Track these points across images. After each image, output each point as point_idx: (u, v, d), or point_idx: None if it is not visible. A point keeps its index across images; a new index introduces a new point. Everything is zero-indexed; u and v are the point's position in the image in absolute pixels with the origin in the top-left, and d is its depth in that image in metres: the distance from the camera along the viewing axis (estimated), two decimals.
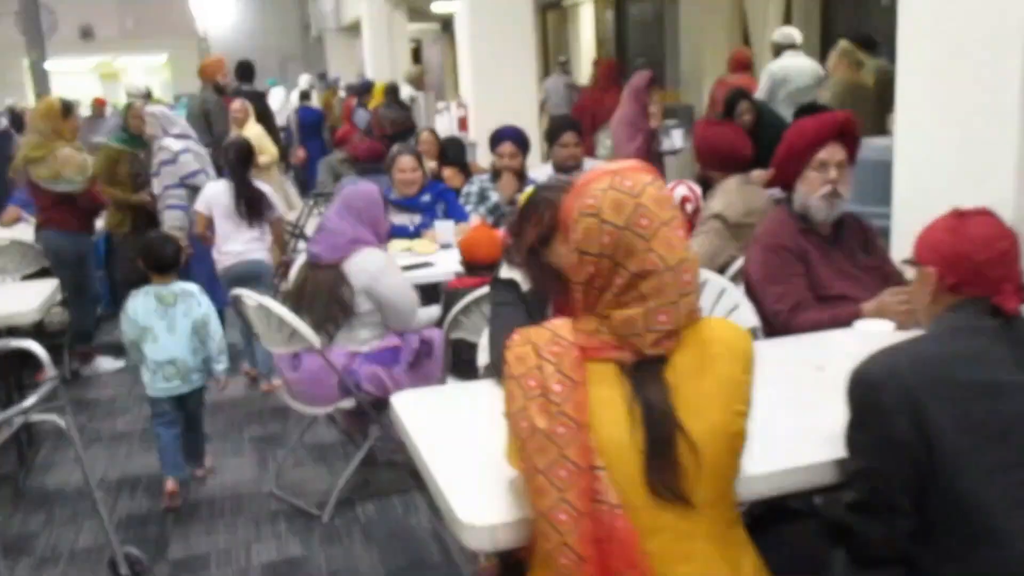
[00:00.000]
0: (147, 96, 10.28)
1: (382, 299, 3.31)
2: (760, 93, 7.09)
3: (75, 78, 18.62)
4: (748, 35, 10.06)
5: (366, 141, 5.94)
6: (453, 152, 5.67)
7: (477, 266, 3.40)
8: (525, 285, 2.40)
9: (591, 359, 1.51)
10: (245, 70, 8.60)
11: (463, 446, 1.94)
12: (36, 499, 3.82)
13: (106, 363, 5.43)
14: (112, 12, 18.84)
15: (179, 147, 5.25)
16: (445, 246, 4.26)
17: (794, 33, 7.37)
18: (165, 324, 3.52)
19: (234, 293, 3.31)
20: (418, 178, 4.67)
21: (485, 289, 3.15)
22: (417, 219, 4.65)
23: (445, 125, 9.51)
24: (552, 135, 5.08)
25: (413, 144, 6.71)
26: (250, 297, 3.23)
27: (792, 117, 4.98)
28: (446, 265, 3.89)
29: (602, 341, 1.51)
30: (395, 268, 3.43)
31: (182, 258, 3.98)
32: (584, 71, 13.67)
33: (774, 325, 2.88)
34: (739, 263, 3.49)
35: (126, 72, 19.38)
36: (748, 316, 2.97)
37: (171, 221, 5.17)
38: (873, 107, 5.92)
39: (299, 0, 22.61)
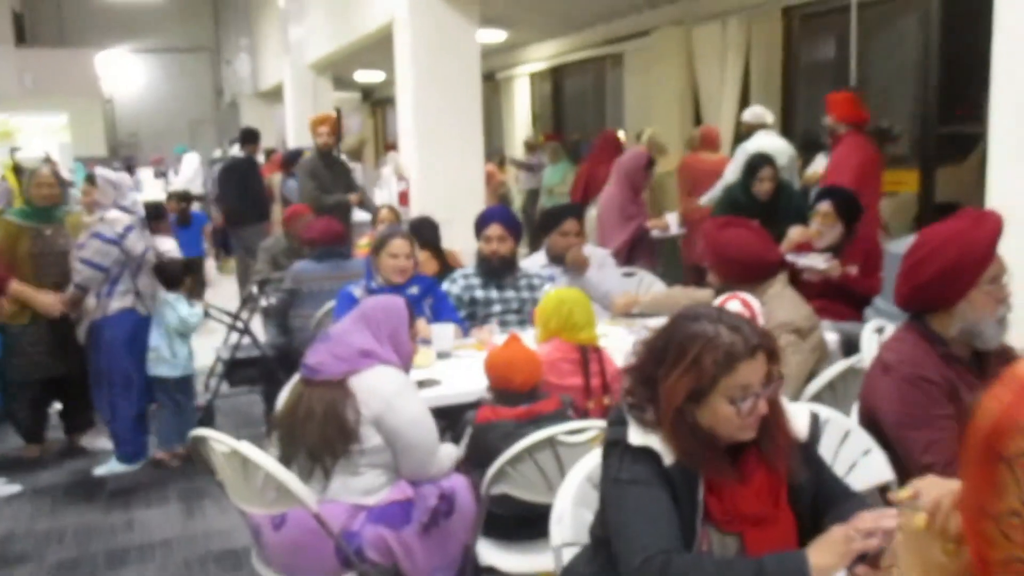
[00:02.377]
0: (46, 160, 9.25)
1: (398, 434, 2.53)
2: (730, 174, 6.68)
3: None
4: (700, 113, 9.74)
5: (322, 220, 5.16)
6: (426, 233, 4.94)
7: (513, 394, 2.68)
8: (668, 456, 1.69)
9: None
10: None
11: None
12: None
13: None
14: (8, 68, 17.58)
15: (128, 223, 4.41)
16: (442, 356, 3.50)
17: (765, 114, 7.03)
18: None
19: (199, 434, 2.48)
20: (411, 266, 3.93)
21: (541, 433, 2.42)
22: None
23: (384, 200, 8.85)
24: (550, 221, 4.44)
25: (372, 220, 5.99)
26: (220, 441, 2.41)
27: (813, 200, 4.52)
28: (456, 383, 3.15)
29: None
30: (416, 395, 2.65)
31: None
32: (517, 146, 13.22)
33: None
34: (823, 379, 3.02)
35: (21, 132, 18.04)
36: (882, 466, 2.33)
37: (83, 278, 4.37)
38: None
39: (211, 63, 21.75)
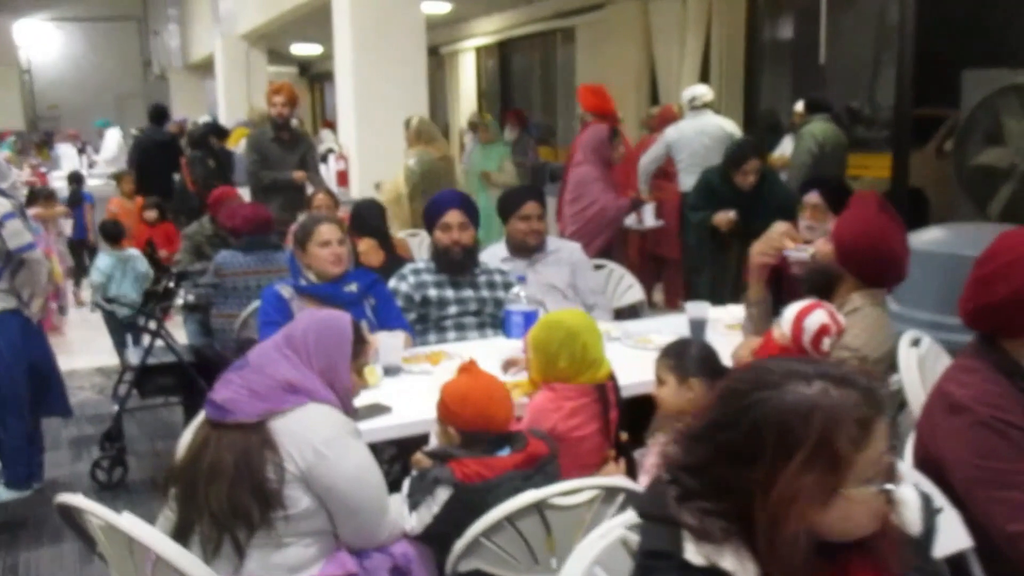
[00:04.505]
0: None
1: (335, 494, 1.93)
2: (653, 151, 6.21)
3: None
4: (656, 92, 9.26)
5: (249, 206, 4.52)
6: (370, 218, 4.32)
7: (492, 437, 2.11)
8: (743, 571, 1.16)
9: None
10: None
11: None
12: None
13: None
14: None
15: (5, 210, 3.71)
16: (390, 372, 2.91)
17: (702, 91, 6.45)
18: None
19: (64, 502, 1.88)
20: (344, 255, 3.33)
21: (532, 494, 1.87)
22: None
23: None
24: (508, 205, 3.89)
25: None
26: (95, 513, 1.81)
27: (799, 190, 4.02)
28: (410, 409, 2.57)
29: None
30: (358, 441, 2.02)
31: None
32: (461, 124, 12.62)
33: (1009, 553, 1.76)
34: None
35: None
36: (958, 531, 1.83)
37: None
38: None
39: (139, 33, 20.64)
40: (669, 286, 7.05)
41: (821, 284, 2.76)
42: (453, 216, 3.52)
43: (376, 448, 2.32)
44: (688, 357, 2.33)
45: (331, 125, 12.19)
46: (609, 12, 9.76)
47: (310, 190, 5.79)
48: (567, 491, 1.88)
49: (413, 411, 2.54)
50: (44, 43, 19.70)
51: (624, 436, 2.51)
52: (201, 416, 2.03)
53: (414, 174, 6.03)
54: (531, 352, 2.40)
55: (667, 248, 6.62)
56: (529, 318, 3.09)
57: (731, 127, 6.28)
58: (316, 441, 1.92)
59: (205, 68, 15.90)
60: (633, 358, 3.09)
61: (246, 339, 3.85)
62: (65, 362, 4.40)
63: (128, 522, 1.76)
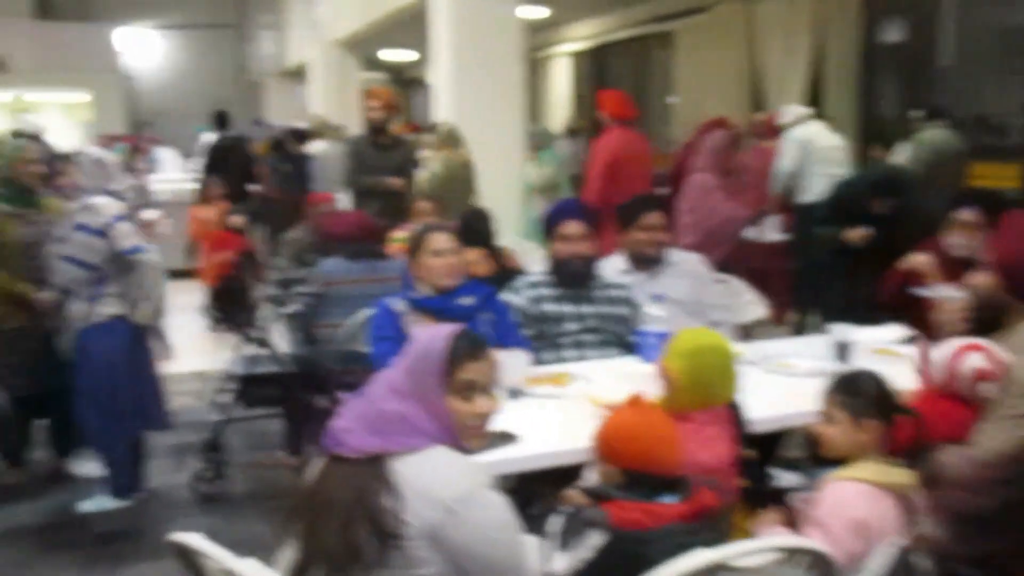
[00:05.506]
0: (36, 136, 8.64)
1: (467, 555, 1.70)
2: (788, 162, 5.97)
3: None
4: (760, 99, 8.90)
5: (353, 213, 4.39)
6: (479, 227, 4.14)
7: (656, 480, 1.86)
8: None
9: None
10: None
11: None
12: None
13: None
14: (29, 42, 16.96)
15: (116, 211, 3.66)
16: (513, 395, 2.71)
17: (802, 110, 6.34)
18: None
19: (181, 541, 1.73)
20: (459, 265, 3.16)
21: (705, 554, 1.64)
22: None
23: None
24: (628, 215, 3.66)
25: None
26: (211, 557, 1.65)
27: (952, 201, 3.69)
28: (539, 439, 2.35)
29: None
30: (492, 492, 1.76)
31: None
32: (556, 128, 12.41)
33: None
34: None
35: (42, 108, 17.43)
36: None
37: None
38: None
39: (235, 40, 21.05)
40: (776, 301, 6.73)
41: (989, 320, 2.48)
42: (573, 227, 3.32)
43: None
44: (865, 395, 2.06)
45: (418, 129, 12.14)
46: (711, 15, 9.46)
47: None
48: (747, 552, 1.64)
49: (542, 442, 2.33)
50: (146, 50, 20.22)
51: (751, 454, 2.26)
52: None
53: (436, 178, 5.99)
54: (677, 379, 2.17)
55: (772, 260, 6.33)
56: (666, 340, 2.85)
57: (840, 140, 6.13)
58: (446, 496, 1.70)
59: (299, 74, 16.07)
60: (771, 385, 2.83)
61: (350, 351, 3.72)
62: (163, 365, 4.33)
63: (247, 568, 1.58)
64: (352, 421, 1.78)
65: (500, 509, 1.76)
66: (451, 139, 6.20)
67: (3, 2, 16.48)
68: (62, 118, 17.23)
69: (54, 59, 17.22)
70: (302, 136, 9.28)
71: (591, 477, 2.03)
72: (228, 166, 9.01)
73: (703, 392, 2.14)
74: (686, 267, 3.67)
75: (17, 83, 17.18)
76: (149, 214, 7.71)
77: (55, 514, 3.89)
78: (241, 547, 3.45)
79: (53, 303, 3.73)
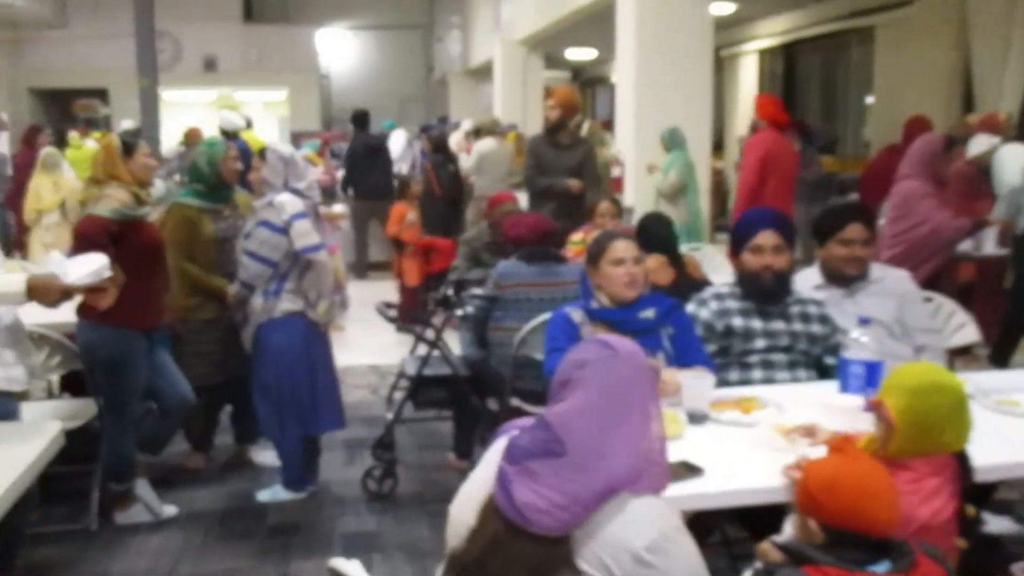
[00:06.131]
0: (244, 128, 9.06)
1: None
2: (1010, 176, 5.35)
3: (195, 109, 17.82)
4: (972, 99, 8.17)
5: (531, 215, 4.29)
6: (658, 232, 3.94)
7: (866, 542, 1.62)
8: None
9: None
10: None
11: None
12: None
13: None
14: (236, 44, 18.12)
15: (296, 209, 3.74)
16: (696, 420, 2.52)
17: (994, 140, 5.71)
18: None
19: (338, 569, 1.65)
20: (641, 276, 2.98)
21: None
22: None
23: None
24: (827, 226, 3.36)
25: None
26: None
27: None
28: (726, 474, 2.14)
29: None
30: (684, 536, 1.61)
31: None
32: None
33: None
34: None
35: (245, 105, 18.56)
36: None
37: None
38: None
39: (424, 40, 21.61)
40: (983, 322, 6.12)
41: None
42: (767, 237, 3.07)
43: None
44: None
45: (607, 126, 11.95)
46: (917, 8, 8.79)
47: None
48: None
49: (727, 475, 2.11)
50: (341, 50, 21.09)
51: (972, 511, 1.97)
52: (484, 492, 1.71)
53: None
54: (896, 419, 1.90)
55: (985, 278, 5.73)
56: (872, 370, 2.56)
57: None
58: (638, 546, 1.56)
59: (483, 73, 16.27)
60: (991, 424, 2.48)
61: (524, 357, 3.62)
62: (342, 358, 4.38)
63: None
64: (543, 496, 1.60)
65: (693, 555, 1.62)
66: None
67: (215, 7, 17.58)
68: (262, 114, 18.32)
69: (258, 59, 18.30)
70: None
71: (788, 530, 1.81)
72: (367, 165, 9.42)
73: (926, 438, 1.87)
74: (890, 284, 3.33)
75: (224, 82, 18.40)
76: (337, 208, 7.97)
77: (234, 500, 4.00)
78: (404, 551, 3.42)
79: (239, 297, 3.83)
